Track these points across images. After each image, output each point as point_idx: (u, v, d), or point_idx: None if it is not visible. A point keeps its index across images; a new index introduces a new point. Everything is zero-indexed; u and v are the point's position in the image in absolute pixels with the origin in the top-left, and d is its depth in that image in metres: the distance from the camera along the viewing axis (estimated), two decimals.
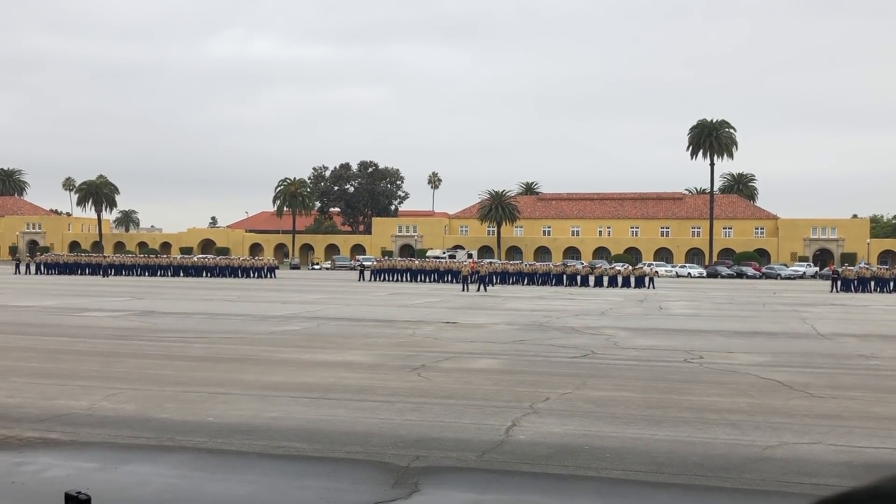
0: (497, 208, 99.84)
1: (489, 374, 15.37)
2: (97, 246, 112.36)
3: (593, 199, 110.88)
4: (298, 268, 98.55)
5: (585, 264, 72.96)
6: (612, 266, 67.56)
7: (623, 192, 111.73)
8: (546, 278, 61.45)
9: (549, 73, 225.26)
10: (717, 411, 11.85)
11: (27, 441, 9.67)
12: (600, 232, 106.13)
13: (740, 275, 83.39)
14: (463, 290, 49.52)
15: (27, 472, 8.43)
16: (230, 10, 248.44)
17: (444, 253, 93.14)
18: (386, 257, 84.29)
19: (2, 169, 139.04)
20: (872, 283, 56.64)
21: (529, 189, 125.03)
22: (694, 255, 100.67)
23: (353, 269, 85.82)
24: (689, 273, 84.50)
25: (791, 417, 11.47)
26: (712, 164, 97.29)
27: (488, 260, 78.71)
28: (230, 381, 14.13)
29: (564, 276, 61.03)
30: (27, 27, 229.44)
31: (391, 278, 65.14)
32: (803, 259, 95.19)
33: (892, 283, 56.61)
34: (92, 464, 8.82)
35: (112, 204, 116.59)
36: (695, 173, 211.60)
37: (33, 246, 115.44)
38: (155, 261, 75.39)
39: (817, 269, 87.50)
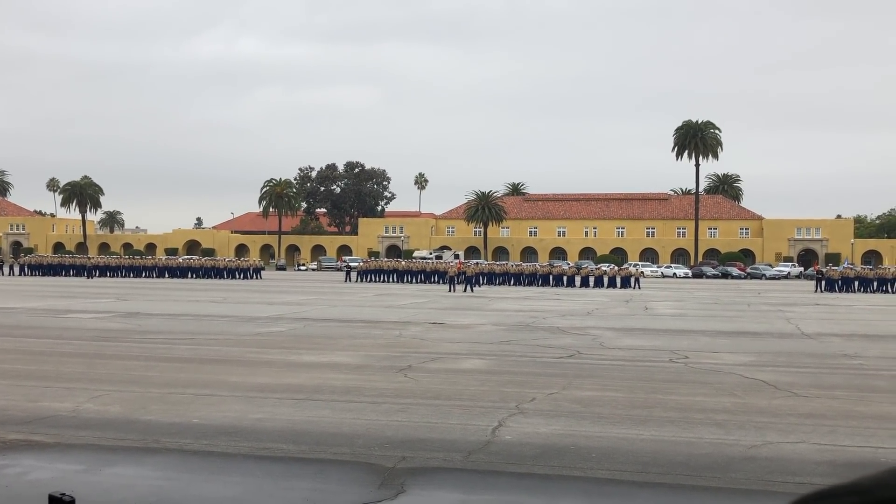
0: (483, 209, 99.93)
1: (476, 374, 15.38)
2: (81, 247, 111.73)
3: (579, 200, 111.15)
4: (285, 269, 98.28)
5: (571, 265, 73.18)
6: (598, 266, 67.75)
7: (609, 193, 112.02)
8: (532, 279, 61.55)
9: (535, 73, 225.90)
10: (703, 411, 11.91)
11: (11, 443, 9.61)
12: (586, 232, 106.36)
13: (725, 275, 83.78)
14: (450, 290, 49.52)
15: (11, 474, 8.38)
16: (216, 9, 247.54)
17: (430, 254, 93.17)
18: (372, 258, 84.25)
19: None
20: (856, 283, 57.04)
21: (516, 190, 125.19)
22: (679, 256, 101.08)
23: (339, 269, 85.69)
24: (674, 273, 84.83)
25: (775, 417, 11.53)
26: (697, 165, 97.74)
27: (475, 261, 78.83)
28: (216, 382, 14.08)
29: (551, 277, 61.14)
30: (10, 26, 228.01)
31: (378, 279, 65.08)
32: (788, 259, 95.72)
33: (875, 283, 57.00)
34: (76, 466, 8.78)
35: (96, 205, 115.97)
36: (680, 174, 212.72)
37: (17, 247, 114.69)
38: (140, 262, 74.98)
39: (802, 269, 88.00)
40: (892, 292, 55.26)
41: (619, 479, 8.46)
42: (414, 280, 64.49)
